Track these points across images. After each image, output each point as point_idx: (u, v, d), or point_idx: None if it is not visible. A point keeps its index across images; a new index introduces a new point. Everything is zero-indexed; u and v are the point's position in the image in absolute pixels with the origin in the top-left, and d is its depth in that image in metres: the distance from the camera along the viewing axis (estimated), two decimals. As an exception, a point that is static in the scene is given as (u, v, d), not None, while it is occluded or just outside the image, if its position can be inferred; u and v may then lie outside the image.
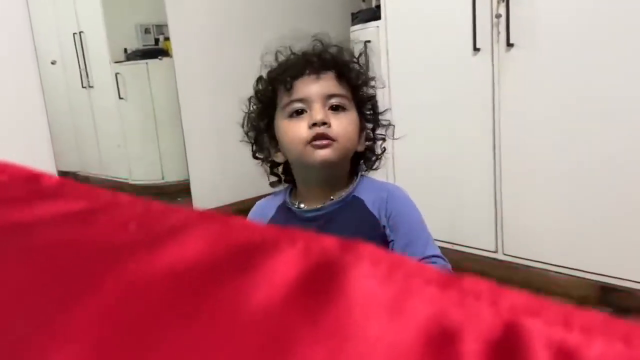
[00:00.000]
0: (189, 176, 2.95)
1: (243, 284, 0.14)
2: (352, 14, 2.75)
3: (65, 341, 0.13)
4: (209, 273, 0.14)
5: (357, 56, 0.90)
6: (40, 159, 2.43)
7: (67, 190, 0.17)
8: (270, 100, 0.88)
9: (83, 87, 3.09)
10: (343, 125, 0.83)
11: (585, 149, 1.63)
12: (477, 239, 1.96)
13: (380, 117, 0.93)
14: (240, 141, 0.92)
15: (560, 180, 1.70)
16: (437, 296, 0.14)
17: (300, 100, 0.83)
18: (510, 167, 1.82)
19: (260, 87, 0.90)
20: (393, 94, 2.14)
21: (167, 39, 2.95)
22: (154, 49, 3.09)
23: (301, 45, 0.88)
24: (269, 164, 0.92)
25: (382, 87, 1.06)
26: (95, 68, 3.06)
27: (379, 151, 0.94)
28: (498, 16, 1.74)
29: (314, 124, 0.81)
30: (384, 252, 0.15)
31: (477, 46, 1.81)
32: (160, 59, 3.03)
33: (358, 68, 0.89)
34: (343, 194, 0.87)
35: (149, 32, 3.13)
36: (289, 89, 0.84)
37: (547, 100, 1.69)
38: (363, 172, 0.92)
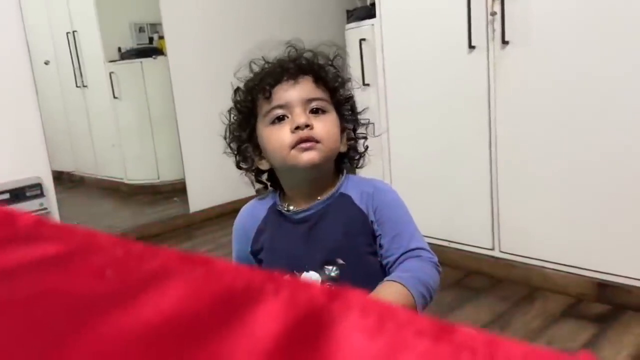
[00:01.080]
0: (184, 175, 2.94)
1: (225, 340, 0.13)
2: (348, 12, 2.74)
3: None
4: (189, 328, 0.13)
5: (332, 59, 0.90)
6: (34, 159, 2.42)
7: (43, 232, 0.17)
8: (250, 110, 0.89)
9: (77, 86, 3.07)
10: (326, 127, 0.84)
11: (581, 146, 1.62)
12: (474, 236, 1.95)
13: (359, 116, 0.94)
14: (224, 153, 0.92)
15: (557, 177, 1.70)
16: (430, 350, 0.13)
17: (281, 106, 0.84)
18: (507, 165, 1.82)
19: (238, 97, 0.90)
20: (389, 92, 2.13)
21: (161, 37, 2.93)
22: (149, 47, 3.07)
23: (275, 54, 0.88)
24: (253, 173, 0.93)
25: (358, 87, 1.07)
26: (90, 67, 3.04)
27: (361, 149, 0.95)
28: (493, 14, 1.73)
29: (297, 128, 0.82)
30: (373, 300, 0.14)
31: (473, 44, 1.80)
32: (154, 58, 3.01)
33: (334, 70, 0.90)
34: (330, 193, 0.88)
35: (143, 31, 3.11)
36: (268, 97, 0.85)
37: (543, 97, 1.68)
38: (349, 171, 0.94)
